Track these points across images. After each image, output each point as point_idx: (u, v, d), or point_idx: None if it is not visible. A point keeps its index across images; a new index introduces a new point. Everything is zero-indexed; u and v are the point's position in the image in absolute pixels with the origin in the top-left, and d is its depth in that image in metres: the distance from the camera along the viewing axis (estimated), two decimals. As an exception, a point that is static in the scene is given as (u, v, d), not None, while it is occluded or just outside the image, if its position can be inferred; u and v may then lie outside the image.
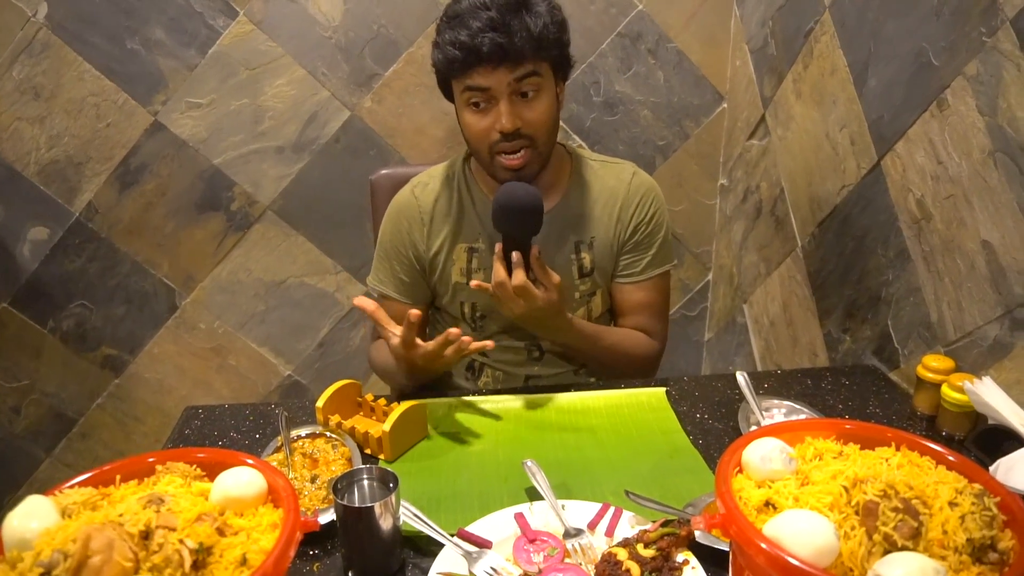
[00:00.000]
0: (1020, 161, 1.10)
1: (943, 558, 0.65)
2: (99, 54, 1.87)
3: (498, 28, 1.17)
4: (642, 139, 2.12)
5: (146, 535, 0.66)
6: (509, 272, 1.20)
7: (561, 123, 1.57)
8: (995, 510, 0.68)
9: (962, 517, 0.67)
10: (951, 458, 0.77)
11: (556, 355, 1.43)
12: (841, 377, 1.37)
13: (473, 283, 1.24)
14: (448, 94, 1.31)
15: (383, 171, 1.65)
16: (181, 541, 0.66)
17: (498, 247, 1.20)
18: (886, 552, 0.65)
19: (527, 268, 1.20)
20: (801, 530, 0.65)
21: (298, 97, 1.97)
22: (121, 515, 0.68)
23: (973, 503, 0.68)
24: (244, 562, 0.67)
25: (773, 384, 1.34)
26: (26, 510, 0.70)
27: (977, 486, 0.72)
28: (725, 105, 2.12)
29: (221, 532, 0.70)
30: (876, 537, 0.66)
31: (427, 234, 1.39)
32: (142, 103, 1.93)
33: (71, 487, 0.76)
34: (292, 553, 0.70)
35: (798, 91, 1.73)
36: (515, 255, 1.17)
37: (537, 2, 1.22)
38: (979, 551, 0.66)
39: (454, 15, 1.21)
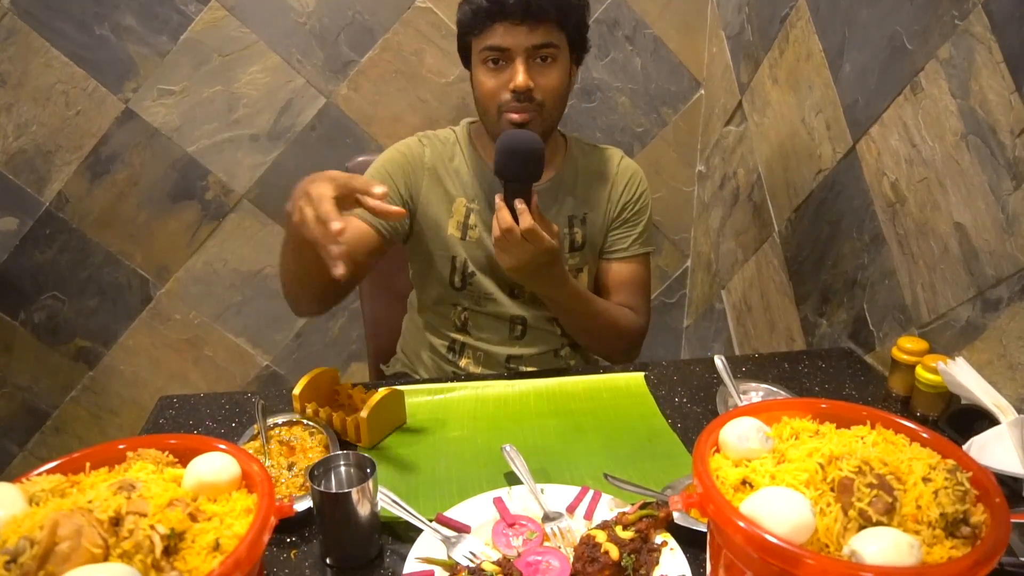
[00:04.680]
0: (991, 143, 1.11)
1: (917, 532, 0.65)
2: (67, 40, 1.83)
3: None
4: (620, 126, 2.12)
5: (116, 521, 0.65)
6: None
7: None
8: (967, 485, 0.69)
9: (935, 492, 0.67)
10: (925, 435, 0.78)
11: (539, 331, 1.44)
12: (818, 360, 1.38)
13: None
14: (466, 60, 1.34)
15: (360, 158, 1.63)
16: (152, 527, 0.64)
17: (498, 197, 1.19)
18: (861, 527, 0.65)
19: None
20: (777, 507, 0.66)
21: (272, 84, 1.95)
22: (90, 501, 0.66)
23: (946, 478, 0.69)
24: (217, 547, 0.66)
25: (751, 368, 1.35)
26: (-9, 498, 0.68)
27: (950, 462, 0.72)
28: (702, 92, 2.12)
29: (193, 518, 0.68)
30: (851, 513, 0.66)
31: (426, 181, 1.39)
32: (112, 90, 1.89)
33: (39, 475, 0.74)
34: (266, 538, 0.69)
35: (774, 77, 1.74)
36: (519, 202, 1.17)
37: None
38: (952, 525, 0.67)
39: None
